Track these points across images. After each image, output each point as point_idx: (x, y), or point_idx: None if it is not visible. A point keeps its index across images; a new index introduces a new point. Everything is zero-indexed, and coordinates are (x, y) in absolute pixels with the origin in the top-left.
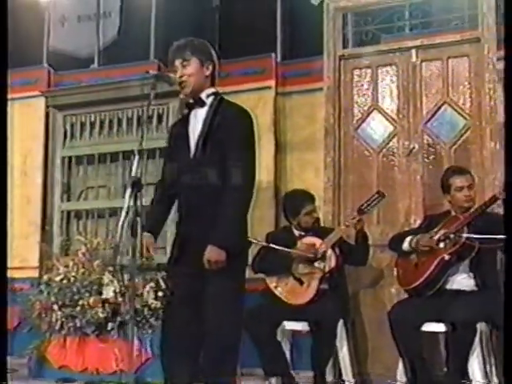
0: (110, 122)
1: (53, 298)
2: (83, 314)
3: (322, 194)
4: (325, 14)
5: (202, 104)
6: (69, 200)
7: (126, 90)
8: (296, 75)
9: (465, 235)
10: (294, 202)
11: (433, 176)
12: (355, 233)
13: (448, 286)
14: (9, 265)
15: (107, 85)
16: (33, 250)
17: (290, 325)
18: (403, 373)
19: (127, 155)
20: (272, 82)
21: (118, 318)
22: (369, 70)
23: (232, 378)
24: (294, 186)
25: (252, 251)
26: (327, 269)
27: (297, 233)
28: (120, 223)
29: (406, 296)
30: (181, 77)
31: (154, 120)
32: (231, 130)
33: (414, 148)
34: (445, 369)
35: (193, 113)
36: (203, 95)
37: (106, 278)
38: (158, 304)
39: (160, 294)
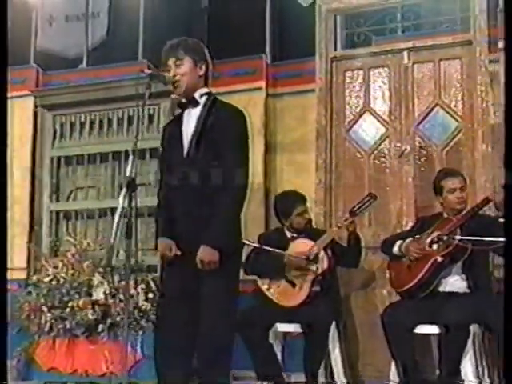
0: (100, 122)
1: (42, 300)
2: (73, 315)
3: (312, 195)
4: (317, 16)
5: (195, 104)
6: (58, 200)
7: (117, 90)
8: (287, 76)
9: (458, 237)
10: (285, 203)
11: (424, 178)
12: (347, 235)
13: (441, 288)
14: None
15: (97, 85)
16: (20, 250)
17: (282, 327)
18: (396, 374)
19: (117, 156)
20: (263, 83)
21: (109, 320)
22: (361, 72)
23: (225, 379)
24: (283, 188)
25: (243, 253)
26: (320, 271)
27: (289, 234)
28: (115, 224)
29: (397, 298)
30: (174, 76)
31: (145, 120)
32: (225, 129)
33: (405, 150)
34: (437, 371)
35: (186, 113)
36: (197, 95)
37: (96, 279)
38: (149, 306)
39: (150, 295)
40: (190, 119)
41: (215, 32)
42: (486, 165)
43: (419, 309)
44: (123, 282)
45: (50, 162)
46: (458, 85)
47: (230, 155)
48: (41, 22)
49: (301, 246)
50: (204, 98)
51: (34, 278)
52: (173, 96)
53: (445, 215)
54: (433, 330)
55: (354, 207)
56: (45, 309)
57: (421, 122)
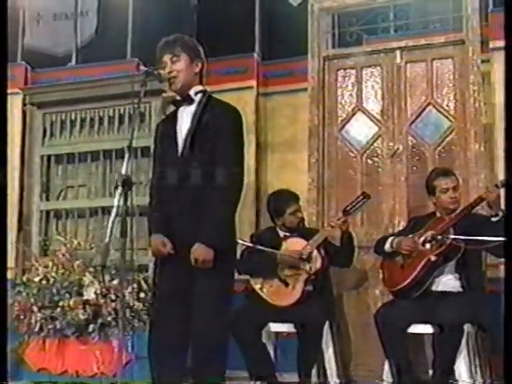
0: (91, 120)
1: (32, 299)
2: (63, 315)
3: (303, 194)
4: (309, 15)
5: (190, 101)
6: (48, 199)
7: (108, 88)
8: (278, 75)
9: (452, 236)
10: (278, 202)
11: (417, 177)
12: (340, 234)
13: (434, 288)
14: None
15: (88, 83)
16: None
17: (275, 327)
18: (389, 374)
19: (108, 154)
20: (254, 82)
21: (100, 320)
22: (353, 71)
23: (220, 378)
24: (274, 187)
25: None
26: (313, 270)
27: (282, 233)
28: (110, 222)
29: (390, 298)
30: (170, 72)
31: (137, 118)
32: (220, 127)
33: (398, 149)
34: (430, 370)
35: (180, 110)
36: (191, 92)
37: (87, 278)
38: (140, 305)
39: (142, 295)
40: (185, 117)
41: (204, 31)
42: (478, 164)
43: (413, 308)
44: (115, 282)
45: (40, 161)
46: (451, 84)
47: (225, 154)
48: (28, 20)
49: (294, 245)
50: (199, 96)
51: (24, 277)
52: (164, 94)
53: (438, 215)
54: (427, 329)
55: (347, 206)
56: (35, 309)
57: (413, 121)
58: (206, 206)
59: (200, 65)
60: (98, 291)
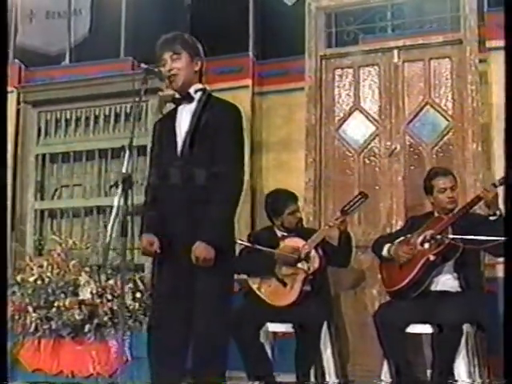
0: (87, 119)
1: (27, 300)
2: (59, 315)
3: (299, 194)
4: (306, 14)
5: (190, 99)
6: (42, 199)
7: (103, 86)
8: (273, 75)
9: (451, 236)
10: (277, 202)
11: (414, 177)
12: (338, 234)
13: (433, 288)
14: None
15: (83, 81)
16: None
17: (273, 327)
18: (388, 374)
19: (104, 153)
20: (249, 81)
21: (96, 320)
22: (350, 70)
23: (221, 378)
24: (269, 187)
25: None
26: (311, 270)
27: (279, 233)
28: (110, 222)
29: (387, 298)
30: (170, 70)
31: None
32: (220, 125)
33: (395, 149)
34: (428, 370)
35: (180, 108)
36: (191, 90)
37: (83, 278)
38: (137, 305)
39: (138, 295)
40: (184, 115)
41: (198, 30)
42: (476, 164)
43: (411, 308)
44: (111, 281)
45: (35, 160)
46: (448, 84)
47: (225, 152)
48: (21, 18)
49: (292, 245)
50: (199, 94)
51: (19, 277)
52: (161, 93)
53: (435, 214)
54: (426, 329)
55: (345, 206)
56: (30, 309)
57: (411, 120)
58: (206, 204)
59: (200, 63)
60: (94, 291)
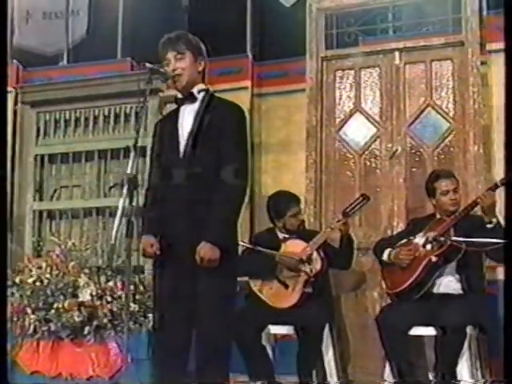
0: (86, 119)
1: (25, 301)
2: (58, 317)
3: (298, 196)
4: (307, 15)
5: (193, 99)
6: (41, 199)
7: (103, 87)
8: (272, 76)
9: (453, 238)
10: (279, 204)
11: (416, 179)
12: (340, 236)
13: (435, 290)
14: None
15: (82, 81)
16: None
17: (274, 329)
18: (390, 376)
19: (103, 154)
20: (248, 83)
21: (95, 322)
22: (352, 72)
23: (224, 380)
24: (268, 188)
25: None
26: (313, 272)
27: (281, 235)
28: (116, 222)
29: (388, 300)
30: (174, 70)
31: (132, 118)
32: (224, 126)
33: (396, 150)
34: (430, 373)
35: (182, 109)
36: (195, 90)
37: (82, 280)
38: (136, 307)
39: (138, 296)
40: (187, 116)
41: (196, 31)
42: (477, 166)
43: (414, 310)
44: (111, 283)
45: (34, 160)
46: (450, 86)
47: (230, 153)
48: (17, 19)
49: (293, 247)
50: (202, 94)
51: (17, 278)
52: (161, 94)
53: (438, 216)
54: (429, 331)
55: (347, 208)
56: (29, 310)
57: (412, 122)
58: (210, 205)
59: (203, 63)
60: (94, 293)
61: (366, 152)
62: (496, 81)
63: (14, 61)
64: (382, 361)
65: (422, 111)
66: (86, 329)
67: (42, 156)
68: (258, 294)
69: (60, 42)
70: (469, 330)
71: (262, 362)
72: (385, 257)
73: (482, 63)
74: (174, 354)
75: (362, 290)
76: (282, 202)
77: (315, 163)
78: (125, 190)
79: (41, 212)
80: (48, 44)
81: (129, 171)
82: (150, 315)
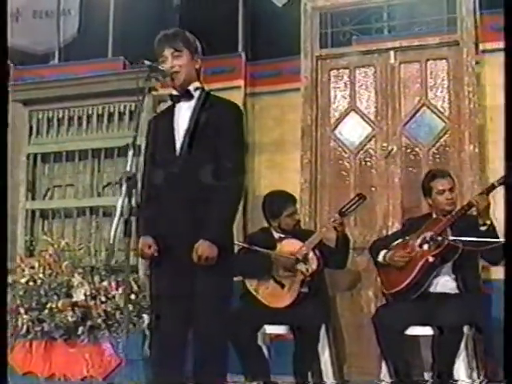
0: (79, 118)
1: (18, 301)
2: (51, 317)
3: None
4: (302, 14)
5: (189, 97)
6: (34, 199)
7: (95, 85)
8: (266, 76)
9: (451, 237)
10: (275, 204)
11: (411, 178)
12: (336, 235)
13: (432, 289)
14: None
15: (75, 80)
16: None
17: (270, 329)
18: (387, 376)
19: (97, 153)
20: (241, 82)
21: (89, 322)
22: (346, 71)
23: (222, 380)
24: (261, 188)
25: None
26: (309, 272)
27: (276, 235)
28: (115, 222)
29: (383, 300)
30: (171, 67)
31: (126, 117)
32: (221, 124)
33: (392, 150)
34: (426, 372)
35: (178, 106)
36: (191, 88)
37: (76, 280)
38: (131, 307)
39: (132, 296)
40: (183, 113)
41: (187, 30)
42: (472, 165)
43: (411, 310)
44: (105, 283)
45: (26, 159)
46: (445, 85)
47: (227, 151)
48: (8, 17)
49: (289, 247)
50: (198, 92)
51: (10, 278)
52: (154, 92)
53: (434, 216)
54: (425, 331)
55: (343, 208)
56: (21, 310)
57: (407, 122)
58: (207, 203)
59: (199, 61)
60: (88, 293)
61: (361, 151)
62: (490, 81)
63: None
64: (378, 361)
65: (418, 111)
66: (80, 329)
67: (35, 155)
68: (254, 293)
69: (51, 40)
70: (465, 329)
71: (257, 362)
72: (380, 258)
73: (477, 63)
74: (170, 353)
75: (358, 290)
76: (278, 201)
77: (310, 163)
78: (124, 189)
79: (33, 211)
80: (39, 43)
81: (128, 169)
82: (145, 315)
